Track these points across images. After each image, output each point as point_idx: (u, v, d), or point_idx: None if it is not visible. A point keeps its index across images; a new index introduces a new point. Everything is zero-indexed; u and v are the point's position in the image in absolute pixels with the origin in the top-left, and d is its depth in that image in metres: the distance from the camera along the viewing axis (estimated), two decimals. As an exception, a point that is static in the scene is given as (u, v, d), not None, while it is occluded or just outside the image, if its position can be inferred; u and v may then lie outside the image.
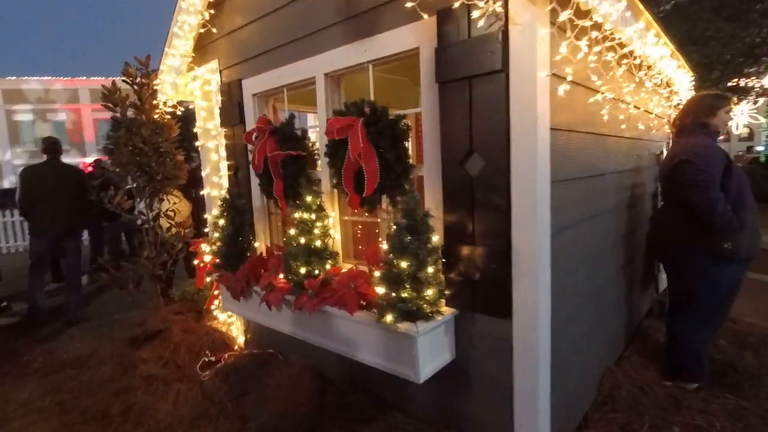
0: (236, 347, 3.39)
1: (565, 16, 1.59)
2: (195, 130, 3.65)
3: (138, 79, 3.63)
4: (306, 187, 2.40)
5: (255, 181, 3.05)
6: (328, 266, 2.39)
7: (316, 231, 2.35)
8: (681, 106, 2.87)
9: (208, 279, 3.62)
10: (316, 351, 2.64)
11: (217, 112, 3.29)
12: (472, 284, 1.95)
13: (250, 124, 3.00)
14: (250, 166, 3.01)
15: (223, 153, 3.33)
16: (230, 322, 3.50)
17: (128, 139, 3.55)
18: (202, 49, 3.31)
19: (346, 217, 2.67)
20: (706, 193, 2.38)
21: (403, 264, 1.82)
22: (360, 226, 2.97)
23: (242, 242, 2.84)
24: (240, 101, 3.02)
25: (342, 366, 2.64)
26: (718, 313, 2.69)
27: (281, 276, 2.49)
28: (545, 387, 1.87)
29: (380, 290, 1.89)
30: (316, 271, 2.33)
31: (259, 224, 3.10)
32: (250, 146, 2.84)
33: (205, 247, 3.38)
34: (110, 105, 3.61)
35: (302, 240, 2.33)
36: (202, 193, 3.75)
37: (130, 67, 3.59)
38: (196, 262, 3.56)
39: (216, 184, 3.71)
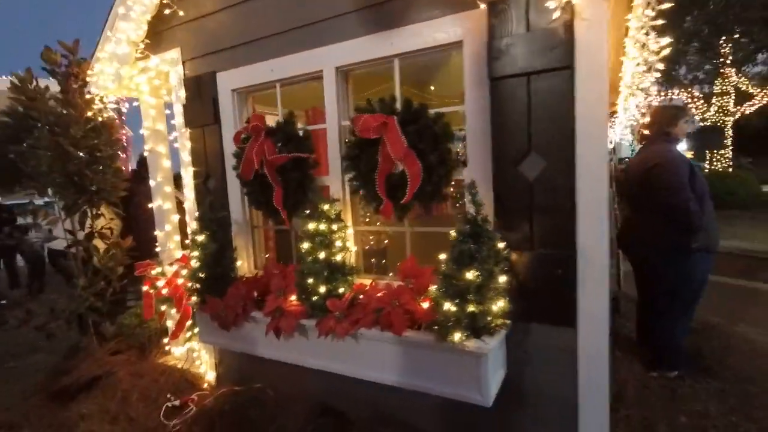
0: (206, 386, 2.86)
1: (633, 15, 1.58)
2: (141, 131, 3.06)
3: (63, 68, 2.94)
4: (319, 194, 2.09)
5: (234, 191, 2.62)
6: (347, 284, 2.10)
7: (338, 243, 2.05)
8: (646, 118, 3.11)
9: (162, 307, 3.04)
10: (319, 382, 2.31)
11: (178, 109, 2.78)
12: (527, 292, 1.83)
13: (228, 124, 2.57)
14: (228, 173, 2.59)
15: (186, 158, 2.82)
16: (195, 356, 2.95)
17: (52, 141, 2.84)
18: (157, 35, 2.78)
19: (357, 228, 2.39)
20: (681, 194, 2.59)
21: (470, 275, 1.64)
22: (371, 237, 2.70)
23: (227, 261, 2.40)
24: (215, 98, 2.58)
25: (357, 397, 2.31)
26: (694, 304, 2.92)
27: (292, 298, 2.13)
28: (607, 398, 1.81)
29: (445, 306, 1.67)
30: (341, 290, 2.03)
31: (239, 240, 2.66)
32: (233, 149, 2.42)
33: (179, 269, 2.80)
34: (23, 98, 2.86)
35: (321, 255, 2.02)
36: (150, 206, 3.15)
37: (53, 53, 2.89)
38: (145, 288, 2.95)
39: (168, 196, 3.15)
